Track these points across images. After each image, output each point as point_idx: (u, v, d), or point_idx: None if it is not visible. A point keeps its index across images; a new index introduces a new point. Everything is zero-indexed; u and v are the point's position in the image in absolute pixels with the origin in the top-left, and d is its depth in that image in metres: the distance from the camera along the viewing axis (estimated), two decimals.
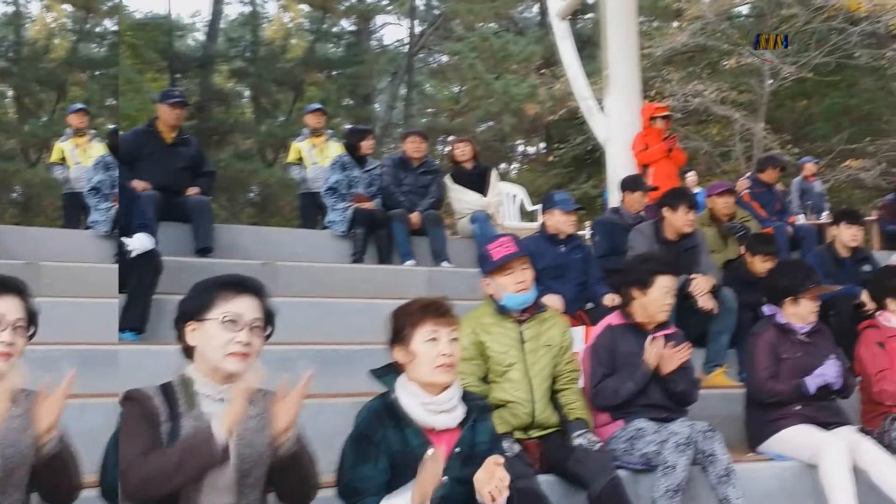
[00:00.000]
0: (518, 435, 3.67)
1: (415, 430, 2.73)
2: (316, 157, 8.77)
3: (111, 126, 8.76)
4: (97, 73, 19.76)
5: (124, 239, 5.03)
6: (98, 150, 8.28)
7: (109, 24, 20.51)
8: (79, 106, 9.44)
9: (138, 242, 5.00)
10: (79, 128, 8.95)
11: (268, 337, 2.57)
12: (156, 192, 6.27)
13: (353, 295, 6.09)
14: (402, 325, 2.81)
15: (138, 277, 4.94)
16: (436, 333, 2.75)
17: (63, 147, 8.92)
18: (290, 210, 18.09)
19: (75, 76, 19.73)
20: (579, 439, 3.64)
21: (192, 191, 6.66)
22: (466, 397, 2.87)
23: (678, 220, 5.54)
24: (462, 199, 7.85)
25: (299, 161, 8.91)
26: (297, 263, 6.50)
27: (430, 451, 2.51)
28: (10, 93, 19.94)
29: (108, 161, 6.67)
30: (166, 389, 2.49)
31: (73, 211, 8.63)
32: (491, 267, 3.73)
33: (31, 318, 2.55)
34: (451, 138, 17.77)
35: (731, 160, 17.72)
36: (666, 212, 5.59)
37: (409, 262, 7.10)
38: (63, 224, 9.29)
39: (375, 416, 2.73)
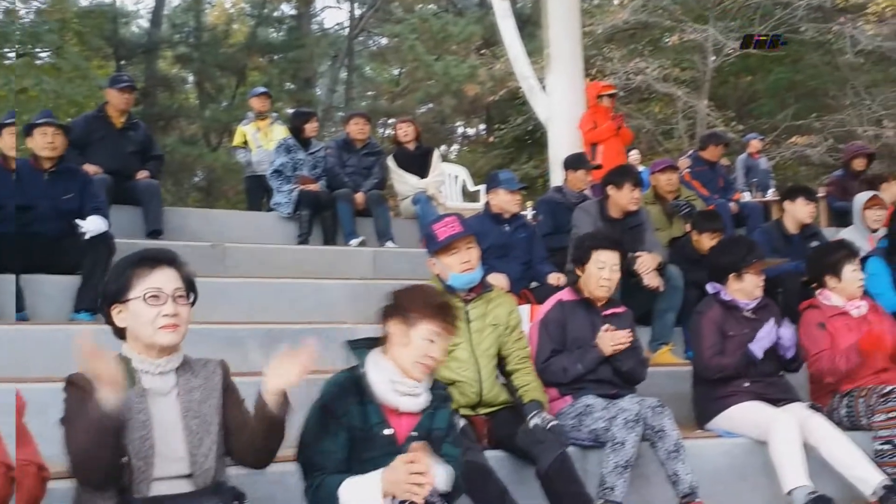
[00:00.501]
0: (465, 412, 3.66)
1: (376, 408, 2.73)
2: (261, 140, 8.92)
3: (291, 109, 8.73)
4: (276, 56, 19.81)
5: (78, 221, 5.01)
6: (279, 132, 8.43)
7: (287, 9, 20.61)
8: (261, 90, 9.45)
9: (92, 224, 5.00)
10: (260, 111, 8.95)
11: (192, 304, 2.58)
12: (107, 176, 6.27)
13: (299, 275, 6.12)
14: (413, 308, 2.80)
15: (93, 259, 4.94)
16: (437, 337, 2.78)
17: (245, 130, 8.96)
18: (235, 194, 17.93)
19: (254, 60, 19.73)
20: (535, 419, 3.64)
21: (142, 174, 6.72)
22: (434, 385, 2.88)
23: (623, 198, 5.57)
24: (403, 181, 7.92)
25: (244, 144, 9.15)
26: (245, 245, 6.58)
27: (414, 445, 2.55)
28: (192, 78, 20.06)
29: (289, 144, 7.30)
30: None
31: (255, 194, 8.82)
32: (437, 247, 3.71)
33: (190, 287, 2.55)
34: (391, 120, 17.71)
35: (675, 138, 17.85)
36: (611, 190, 5.62)
37: (354, 241, 7.15)
38: (245, 207, 9.31)
39: (341, 389, 2.73)
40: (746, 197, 9.58)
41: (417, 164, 7.93)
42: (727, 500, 4.01)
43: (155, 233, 6.47)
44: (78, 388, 2.41)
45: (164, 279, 2.51)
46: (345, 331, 4.34)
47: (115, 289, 2.51)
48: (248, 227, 7.38)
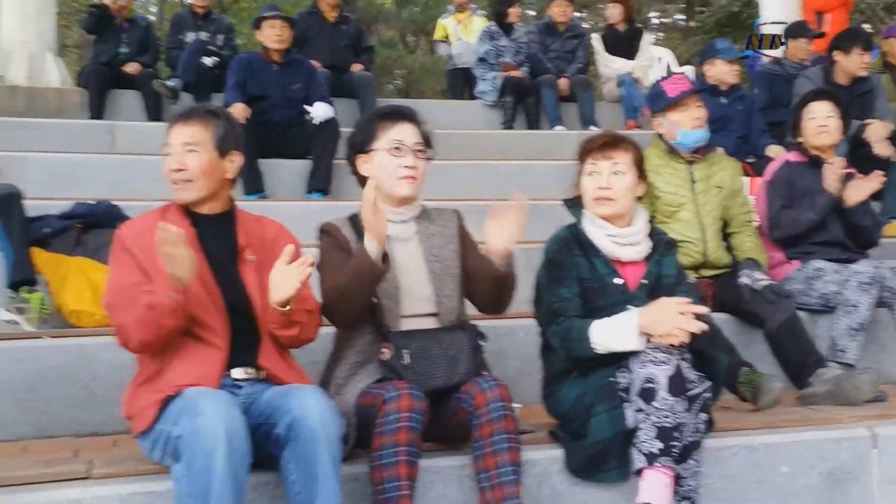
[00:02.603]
0: (690, 274, 3.65)
1: (603, 260, 2.77)
2: (461, 32, 8.93)
3: None
4: None
5: (307, 107, 5.36)
6: (479, 23, 8.48)
7: None
8: None
9: (320, 111, 5.38)
10: (461, 4, 8.97)
11: (429, 159, 2.70)
12: (325, 70, 6.54)
13: (506, 158, 6.19)
14: (579, 159, 2.85)
15: (322, 143, 5.31)
16: (595, 167, 2.78)
17: (445, 24, 9.04)
18: (433, 94, 18.17)
19: None
20: (744, 278, 3.58)
21: (356, 67, 6.99)
22: (652, 233, 2.89)
23: (852, 63, 5.23)
24: (608, 64, 7.79)
25: (445, 38, 9.11)
26: (453, 131, 6.65)
27: None
28: None
29: (492, 31, 7.33)
30: (353, 219, 2.70)
31: (456, 87, 8.83)
32: (666, 103, 3.68)
33: (427, 142, 2.70)
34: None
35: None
36: (838, 55, 5.28)
37: (558, 128, 7.15)
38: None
39: (564, 244, 2.79)
40: None
41: (626, 46, 7.77)
42: None
43: None
44: (330, 236, 2.65)
45: (406, 133, 2.65)
46: (555, 207, 4.41)
47: (361, 140, 2.69)
48: (454, 115, 7.47)
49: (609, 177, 2.76)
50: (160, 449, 2.27)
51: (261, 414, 2.30)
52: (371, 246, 2.45)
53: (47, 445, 2.86)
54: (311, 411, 2.21)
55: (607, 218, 2.78)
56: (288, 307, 2.34)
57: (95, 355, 3.05)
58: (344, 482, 2.26)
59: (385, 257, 2.47)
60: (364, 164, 2.69)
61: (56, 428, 2.98)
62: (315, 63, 6.49)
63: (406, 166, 2.62)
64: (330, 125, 5.39)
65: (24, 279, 3.55)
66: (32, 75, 6.77)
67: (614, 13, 7.82)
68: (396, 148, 2.62)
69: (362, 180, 2.70)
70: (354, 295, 2.49)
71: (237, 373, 2.42)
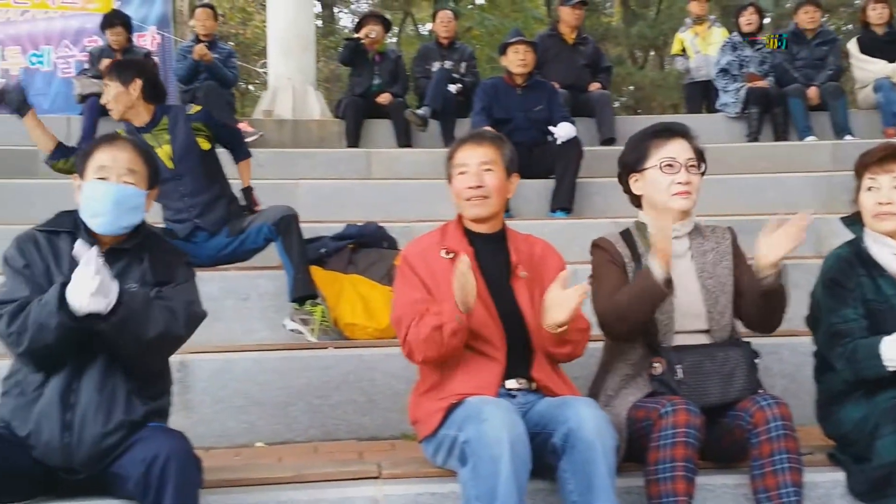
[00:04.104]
0: None
1: (889, 280, 2.64)
2: (699, 45, 8.75)
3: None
4: None
5: (551, 128, 5.52)
6: (718, 36, 8.41)
7: None
8: None
9: (563, 131, 5.49)
10: (699, 15, 8.70)
11: (702, 174, 2.69)
12: (563, 91, 6.63)
13: (753, 171, 6.02)
14: (856, 174, 2.74)
15: (565, 162, 5.44)
16: (874, 182, 2.66)
17: (683, 38, 8.85)
18: (662, 110, 17.87)
19: None
20: None
21: (594, 86, 7.11)
22: None
23: None
24: (865, 66, 7.33)
25: (682, 52, 8.95)
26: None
27: None
28: None
29: (735, 41, 7.35)
30: (625, 235, 2.74)
31: (694, 101, 8.74)
32: None
33: (700, 157, 2.72)
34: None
35: None
36: None
37: (809, 138, 6.87)
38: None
39: (846, 262, 2.68)
40: None
41: (884, 48, 7.25)
42: None
43: (609, 140, 6.75)
44: (604, 251, 2.71)
45: (678, 149, 2.66)
46: (814, 220, 4.22)
47: (633, 158, 2.73)
48: (694, 129, 7.29)
49: (889, 191, 2.64)
50: (444, 452, 2.42)
51: (536, 423, 2.40)
52: (657, 269, 2.48)
53: (334, 447, 3.14)
54: (588, 422, 2.27)
55: (890, 234, 2.65)
56: (562, 328, 2.43)
57: (374, 365, 3.31)
58: (618, 494, 2.30)
59: (669, 281, 2.49)
60: (636, 183, 2.73)
61: (340, 431, 3.26)
62: (554, 84, 6.67)
63: (679, 182, 2.63)
64: (573, 144, 5.50)
65: (305, 294, 3.88)
66: (297, 109, 7.42)
67: (883, 14, 7.32)
68: (669, 165, 2.64)
69: (635, 199, 2.76)
70: (635, 316, 2.53)
71: (511, 383, 2.54)
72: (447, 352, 2.45)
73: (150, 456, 2.15)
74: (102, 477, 2.30)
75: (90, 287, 2.17)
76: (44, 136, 4.09)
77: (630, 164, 2.73)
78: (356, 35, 7.34)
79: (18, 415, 2.30)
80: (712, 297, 2.65)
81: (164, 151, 3.95)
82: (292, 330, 3.82)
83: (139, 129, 3.95)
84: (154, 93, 4.00)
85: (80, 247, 2.21)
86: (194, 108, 4.13)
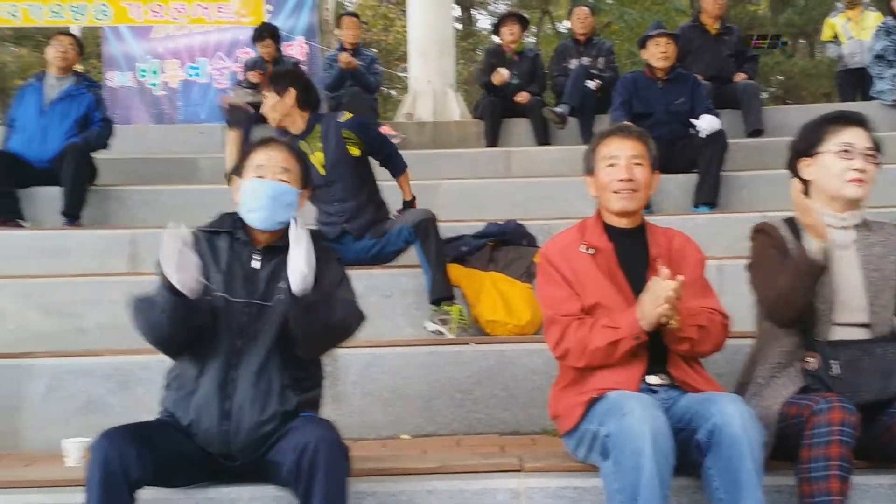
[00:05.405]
0: None
1: None
2: (852, 30, 8.37)
3: None
4: None
5: (693, 121, 5.41)
6: (873, 20, 8.13)
7: None
8: None
9: (706, 123, 5.36)
10: (852, 0, 8.39)
11: (878, 165, 2.59)
12: (707, 83, 6.46)
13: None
14: None
15: (709, 155, 5.32)
16: None
17: (834, 23, 8.60)
18: (813, 99, 17.11)
19: None
20: None
21: (740, 76, 6.92)
22: None
23: None
24: None
25: (834, 38, 8.57)
26: None
27: None
28: None
29: (889, 26, 7.06)
30: (789, 221, 2.68)
31: (847, 89, 8.49)
32: None
33: (877, 147, 2.62)
34: None
35: None
36: None
37: None
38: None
39: None
40: None
41: None
42: None
43: (756, 132, 6.55)
44: (766, 235, 2.65)
45: (856, 136, 2.59)
46: None
47: (807, 143, 2.65)
48: None
49: None
50: (586, 446, 2.43)
51: (679, 419, 2.36)
52: (812, 243, 2.43)
53: (476, 441, 3.19)
54: (733, 419, 2.22)
55: None
56: (671, 325, 2.39)
57: (513, 360, 3.35)
58: (766, 492, 2.24)
59: (824, 257, 2.43)
60: (807, 168, 2.65)
61: (482, 426, 3.31)
62: (697, 75, 6.51)
63: (855, 169, 2.56)
64: (717, 137, 5.35)
65: (443, 296, 3.96)
66: (437, 111, 7.56)
67: None
68: (846, 151, 2.57)
69: (804, 184, 2.67)
70: (794, 295, 2.47)
71: (652, 379, 2.52)
72: (611, 363, 2.47)
73: (301, 444, 2.25)
74: (260, 463, 2.43)
75: (304, 268, 2.33)
76: (238, 153, 4.44)
77: (803, 148, 2.66)
78: (491, 79, 7.21)
79: (180, 405, 2.46)
80: (876, 291, 2.56)
81: (316, 158, 4.11)
82: (433, 332, 3.92)
83: (295, 137, 4.11)
84: (308, 100, 4.17)
85: (171, 226, 2.35)
86: (346, 116, 4.25)
